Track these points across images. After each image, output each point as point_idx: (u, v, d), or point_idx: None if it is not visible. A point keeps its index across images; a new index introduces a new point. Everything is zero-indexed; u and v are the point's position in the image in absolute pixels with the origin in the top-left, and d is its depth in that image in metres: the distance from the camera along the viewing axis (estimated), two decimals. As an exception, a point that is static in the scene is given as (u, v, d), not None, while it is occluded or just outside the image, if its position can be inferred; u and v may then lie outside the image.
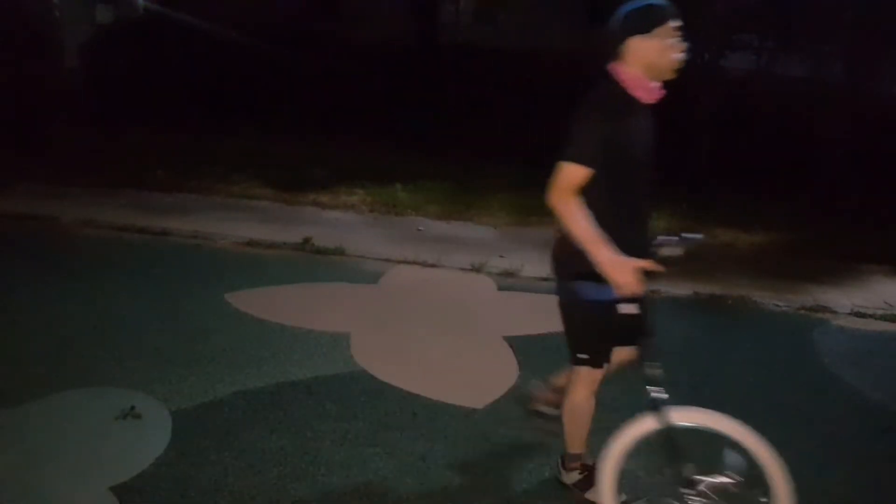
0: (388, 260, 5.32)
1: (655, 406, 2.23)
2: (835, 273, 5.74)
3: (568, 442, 2.67)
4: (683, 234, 2.28)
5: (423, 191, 7.21)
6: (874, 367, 4.17)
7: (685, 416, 2.24)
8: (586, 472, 2.69)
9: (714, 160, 8.32)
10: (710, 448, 2.25)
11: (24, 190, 6.18)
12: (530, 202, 6.55)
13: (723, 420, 2.22)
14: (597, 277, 2.20)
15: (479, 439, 3.10)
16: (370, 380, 3.53)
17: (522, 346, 3.99)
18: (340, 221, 6.29)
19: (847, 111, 8.44)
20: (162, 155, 7.54)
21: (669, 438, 2.24)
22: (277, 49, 9.60)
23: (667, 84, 2.30)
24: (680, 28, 2.24)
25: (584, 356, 2.47)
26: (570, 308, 2.46)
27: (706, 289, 5.17)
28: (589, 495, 2.66)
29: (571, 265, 2.33)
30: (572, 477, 2.72)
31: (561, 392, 2.72)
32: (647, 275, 2.19)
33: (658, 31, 2.21)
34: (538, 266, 5.34)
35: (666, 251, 2.23)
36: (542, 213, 6.84)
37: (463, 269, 5.26)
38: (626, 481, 2.40)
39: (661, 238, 2.27)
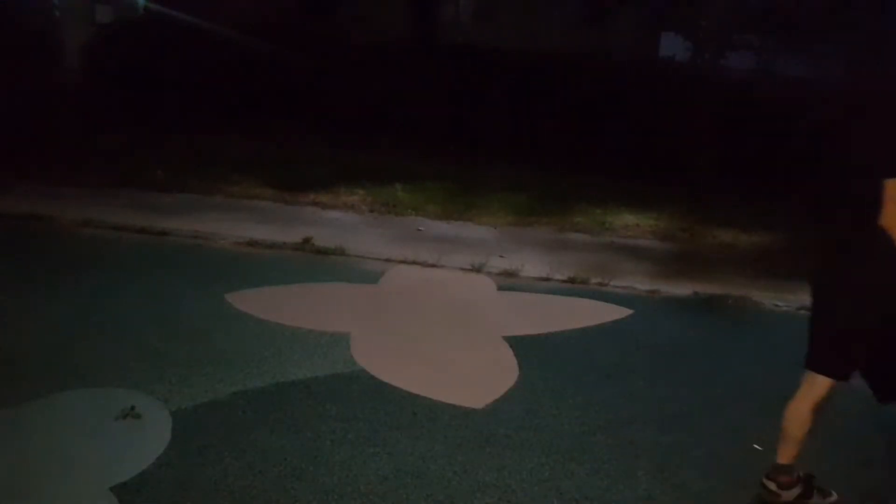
0: (388, 260, 5.32)
1: None
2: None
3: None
4: None
5: (423, 191, 7.21)
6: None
7: None
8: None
9: (714, 160, 8.31)
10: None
11: (24, 190, 6.17)
12: (530, 202, 6.55)
13: None
14: None
15: (479, 439, 3.10)
16: (370, 380, 3.53)
17: (522, 346, 3.97)
18: (340, 221, 6.29)
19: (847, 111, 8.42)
20: (162, 155, 7.54)
21: None
22: (277, 49, 9.59)
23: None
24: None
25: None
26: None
27: (706, 289, 5.17)
28: None
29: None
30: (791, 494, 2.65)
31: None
32: None
33: None
34: (538, 266, 5.35)
35: None
36: (542, 213, 6.86)
37: (463, 269, 5.25)
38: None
39: None
